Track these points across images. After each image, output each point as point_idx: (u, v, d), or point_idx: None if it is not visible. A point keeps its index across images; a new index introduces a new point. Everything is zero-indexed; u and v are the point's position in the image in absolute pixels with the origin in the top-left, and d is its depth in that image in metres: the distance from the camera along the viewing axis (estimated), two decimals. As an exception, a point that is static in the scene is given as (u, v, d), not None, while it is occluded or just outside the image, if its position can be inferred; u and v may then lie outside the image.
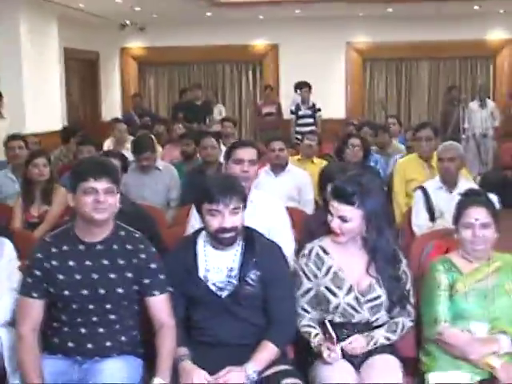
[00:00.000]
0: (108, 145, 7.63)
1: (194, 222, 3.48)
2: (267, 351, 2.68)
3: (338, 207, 2.72)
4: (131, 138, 7.66)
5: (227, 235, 2.70)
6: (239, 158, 3.51)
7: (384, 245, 2.76)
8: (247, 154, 3.53)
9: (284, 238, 3.48)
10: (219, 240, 2.72)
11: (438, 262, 2.90)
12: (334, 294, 2.76)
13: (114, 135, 7.56)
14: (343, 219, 2.71)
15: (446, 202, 4.33)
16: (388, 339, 2.75)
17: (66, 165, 6.28)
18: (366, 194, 2.71)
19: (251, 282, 2.74)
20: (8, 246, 2.96)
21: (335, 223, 2.73)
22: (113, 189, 2.64)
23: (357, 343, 2.68)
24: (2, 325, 2.78)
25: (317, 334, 2.74)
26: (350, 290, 2.76)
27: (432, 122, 6.88)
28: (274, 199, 3.70)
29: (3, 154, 5.73)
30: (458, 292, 2.79)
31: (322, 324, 2.79)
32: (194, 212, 3.52)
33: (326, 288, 2.78)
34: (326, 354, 2.63)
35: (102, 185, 2.60)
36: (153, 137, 6.34)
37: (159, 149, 6.93)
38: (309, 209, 4.99)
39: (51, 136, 8.24)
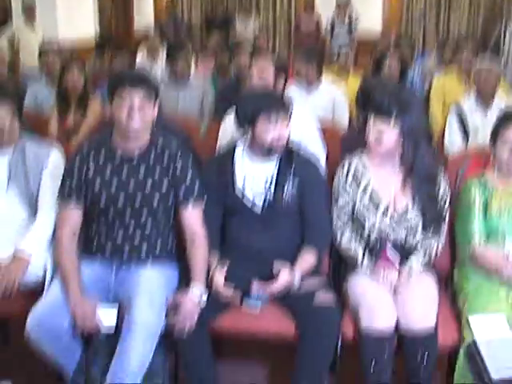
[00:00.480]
0: (141, 57, 7.57)
1: (226, 134, 3.49)
2: (308, 259, 2.73)
3: (375, 122, 2.69)
4: (163, 49, 7.60)
5: (279, 146, 2.72)
6: (251, 71, 3.54)
7: (420, 161, 2.72)
8: (259, 65, 3.54)
9: (314, 150, 3.50)
10: (271, 151, 2.73)
11: (472, 180, 2.86)
12: (371, 213, 2.76)
13: (146, 47, 7.46)
14: (380, 134, 2.68)
15: (480, 119, 4.32)
16: (423, 264, 2.75)
17: (100, 74, 6.23)
18: (404, 110, 2.65)
19: (288, 192, 2.76)
20: (54, 156, 2.96)
21: (372, 138, 2.70)
22: (149, 98, 2.62)
23: (403, 277, 2.67)
24: (48, 240, 2.83)
25: (364, 254, 2.74)
26: (386, 209, 2.75)
27: (472, 38, 6.67)
28: (303, 111, 3.68)
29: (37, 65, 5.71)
30: (493, 210, 2.76)
31: (360, 239, 2.80)
32: (225, 124, 3.54)
33: (363, 206, 2.78)
34: (382, 275, 2.66)
35: (138, 93, 2.59)
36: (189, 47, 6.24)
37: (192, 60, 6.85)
38: (344, 125, 4.94)
39: (84, 44, 8.18)
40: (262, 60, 3.57)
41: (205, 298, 2.57)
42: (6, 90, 2.95)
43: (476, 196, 2.80)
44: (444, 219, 2.80)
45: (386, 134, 2.67)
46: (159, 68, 6.92)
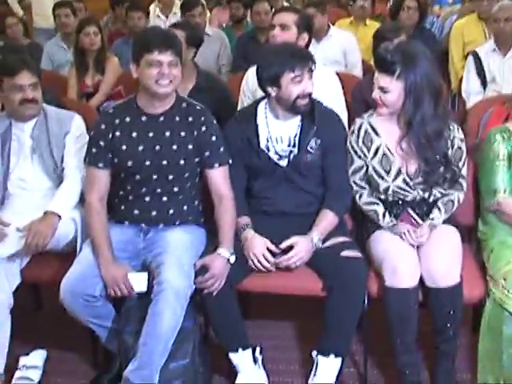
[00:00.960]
0: (153, 9, 7.45)
1: (247, 91, 3.46)
2: (328, 219, 2.73)
3: (377, 76, 2.63)
4: (178, 1, 7.48)
5: (306, 101, 2.70)
6: (272, 23, 3.46)
7: (418, 121, 2.61)
8: (280, 18, 3.43)
9: (337, 106, 3.47)
10: (298, 108, 2.71)
11: (496, 131, 2.80)
12: (383, 178, 2.73)
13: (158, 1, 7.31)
14: (383, 90, 2.61)
15: (498, 65, 4.26)
16: (446, 218, 2.74)
17: (115, 32, 6.17)
18: (408, 64, 2.56)
19: (311, 150, 2.76)
20: (77, 120, 2.98)
21: (376, 93, 2.64)
22: (177, 61, 2.62)
23: (423, 235, 2.66)
24: (74, 206, 2.86)
25: (384, 213, 2.73)
26: (398, 173, 2.72)
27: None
28: (323, 68, 3.62)
29: (52, 21, 5.67)
30: None
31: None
32: (247, 80, 3.50)
33: (375, 171, 2.75)
34: (408, 236, 2.64)
35: (166, 57, 2.58)
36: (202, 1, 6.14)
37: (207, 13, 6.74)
38: (357, 72, 4.88)
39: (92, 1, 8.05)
40: (284, 15, 3.47)
41: (233, 259, 2.60)
42: (27, 59, 2.93)
43: (500, 148, 2.75)
44: (460, 175, 2.76)
45: (388, 90, 2.61)
46: (174, 17, 6.78)
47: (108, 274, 2.56)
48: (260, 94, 2.91)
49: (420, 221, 2.67)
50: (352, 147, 2.80)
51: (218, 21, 6.80)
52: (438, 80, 2.70)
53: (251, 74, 3.39)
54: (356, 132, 2.80)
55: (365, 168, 2.79)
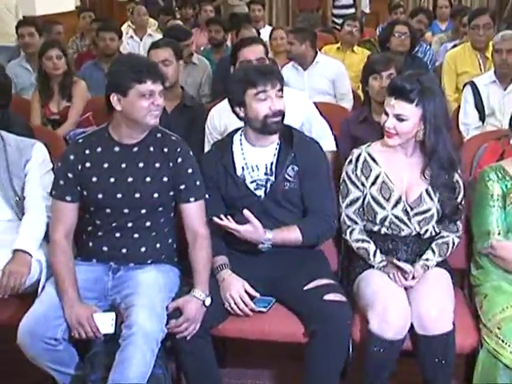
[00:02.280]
0: (126, 30, 7.53)
1: (213, 131, 3.54)
2: (289, 232, 2.76)
3: (395, 104, 2.70)
4: (153, 21, 7.59)
5: (276, 119, 2.76)
6: (246, 59, 3.53)
7: (441, 148, 2.74)
8: (253, 53, 3.54)
9: (320, 129, 3.60)
10: (268, 126, 2.77)
11: (490, 169, 2.86)
12: (381, 206, 2.81)
13: (132, 19, 7.41)
14: (400, 118, 2.70)
15: (498, 98, 4.29)
16: (440, 261, 2.81)
17: (84, 53, 6.24)
18: (425, 93, 2.68)
19: (289, 177, 2.82)
20: (38, 148, 3.01)
21: (390, 123, 2.72)
22: (164, 91, 2.70)
23: (417, 276, 2.72)
24: (39, 246, 2.87)
25: (375, 251, 2.79)
26: (398, 201, 2.79)
27: (489, 7, 6.67)
28: (299, 93, 3.77)
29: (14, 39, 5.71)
30: None
31: (369, 234, 2.86)
32: (211, 120, 3.56)
33: (373, 199, 2.83)
34: (401, 279, 2.70)
35: (157, 87, 2.64)
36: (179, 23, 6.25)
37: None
38: (347, 103, 4.98)
39: (63, 18, 8.12)
40: (256, 53, 3.55)
41: (208, 301, 2.62)
42: None
43: (494, 187, 2.80)
44: (461, 211, 2.84)
45: (405, 118, 2.70)
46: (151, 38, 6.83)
47: (72, 313, 2.56)
48: (231, 129, 2.98)
49: (408, 268, 2.71)
50: (349, 177, 2.87)
51: (196, 44, 6.88)
52: (448, 112, 2.85)
53: (216, 112, 3.50)
54: (354, 162, 2.87)
55: (361, 200, 2.85)
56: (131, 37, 7.19)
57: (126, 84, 2.63)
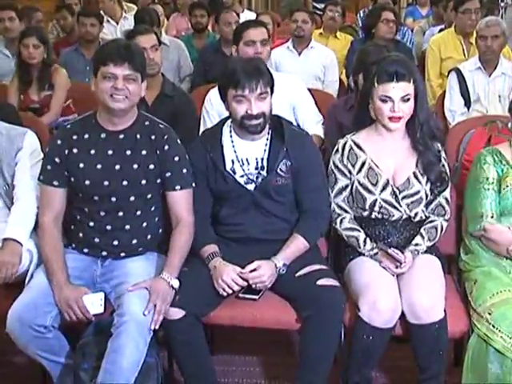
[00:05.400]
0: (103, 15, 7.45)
1: (211, 110, 3.54)
2: (296, 245, 2.78)
3: (398, 88, 2.73)
4: (131, 5, 7.52)
5: (254, 122, 2.73)
6: (251, 39, 3.61)
7: (429, 119, 2.84)
8: (259, 34, 3.61)
9: (309, 112, 3.63)
10: (246, 128, 2.76)
11: (487, 153, 2.87)
12: (369, 191, 2.83)
13: (101, 6, 7.26)
14: (405, 99, 2.74)
15: (483, 84, 4.36)
16: (429, 246, 2.84)
17: (62, 40, 6.17)
18: (413, 70, 2.80)
19: (281, 172, 2.81)
20: (30, 137, 2.99)
21: (397, 107, 2.74)
22: (135, 76, 2.65)
23: (408, 262, 2.74)
24: (30, 236, 2.85)
25: (365, 239, 2.82)
26: (385, 185, 2.82)
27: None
28: (292, 77, 3.80)
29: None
30: (509, 187, 2.79)
31: (359, 221, 2.89)
32: (209, 100, 3.57)
33: (361, 185, 2.85)
34: (392, 267, 2.73)
35: (122, 71, 2.61)
36: (159, 8, 6.21)
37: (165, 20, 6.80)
38: (333, 90, 5.01)
39: (40, 1, 8.01)
40: (263, 31, 3.63)
41: (176, 284, 2.61)
42: None
43: (490, 170, 2.82)
44: (446, 181, 2.87)
45: (410, 98, 2.75)
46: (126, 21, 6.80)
47: (61, 295, 2.57)
48: (226, 112, 2.94)
49: (399, 256, 2.73)
50: (336, 166, 2.89)
51: (177, 29, 6.86)
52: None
53: (213, 94, 3.47)
54: (340, 151, 2.89)
55: (349, 187, 2.88)
56: (107, 21, 7.12)
57: (95, 66, 2.67)
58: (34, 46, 4.47)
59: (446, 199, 2.90)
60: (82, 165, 2.72)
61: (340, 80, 5.24)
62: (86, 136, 2.74)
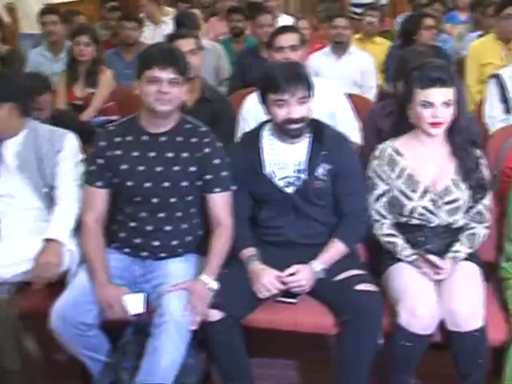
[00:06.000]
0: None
1: (249, 117, 3.55)
2: (335, 249, 2.78)
3: (440, 93, 2.72)
4: (169, 9, 7.58)
5: (295, 126, 2.74)
6: (280, 45, 3.62)
7: (470, 125, 2.86)
8: (288, 40, 3.62)
9: (348, 120, 3.63)
10: (286, 132, 2.77)
11: None
12: (408, 197, 2.82)
13: (142, 10, 7.33)
14: (448, 104, 2.73)
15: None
16: (469, 253, 2.82)
17: (103, 42, 6.24)
18: (453, 76, 2.79)
19: (321, 176, 2.81)
20: (70, 139, 3.03)
21: (441, 112, 2.73)
22: (178, 79, 2.68)
23: (447, 269, 2.73)
24: (71, 235, 2.90)
25: (404, 245, 2.81)
26: (425, 192, 2.81)
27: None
28: (331, 83, 3.79)
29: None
30: None
31: (398, 226, 2.88)
32: (247, 106, 3.58)
33: (400, 191, 2.84)
34: (431, 273, 2.72)
35: (167, 74, 2.64)
36: (197, 12, 6.24)
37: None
38: (371, 95, 4.99)
39: (81, 6, 8.13)
40: (293, 36, 3.63)
41: (215, 286, 2.63)
42: None
43: None
44: (486, 188, 2.85)
45: (452, 103, 2.74)
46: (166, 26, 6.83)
47: (102, 294, 2.61)
48: (264, 117, 2.95)
49: (439, 263, 2.72)
50: (375, 172, 2.89)
51: (215, 33, 6.88)
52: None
53: (252, 99, 3.47)
54: (379, 156, 2.90)
55: (388, 193, 2.87)
56: (146, 25, 7.18)
57: (139, 69, 2.70)
58: (85, 43, 4.59)
59: (486, 206, 2.87)
60: (124, 166, 2.76)
61: (378, 85, 5.22)
62: (129, 138, 2.78)
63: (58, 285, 2.75)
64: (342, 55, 5.16)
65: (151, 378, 2.48)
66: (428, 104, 2.74)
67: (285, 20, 6.71)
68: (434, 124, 2.76)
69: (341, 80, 4.41)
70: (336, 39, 5.21)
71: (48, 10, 5.59)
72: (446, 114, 2.75)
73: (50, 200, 2.97)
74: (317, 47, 5.62)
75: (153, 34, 6.87)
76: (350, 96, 3.94)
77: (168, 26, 6.46)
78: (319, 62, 5.04)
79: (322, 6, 9.42)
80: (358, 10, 7.62)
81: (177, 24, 5.48)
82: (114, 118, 4.19)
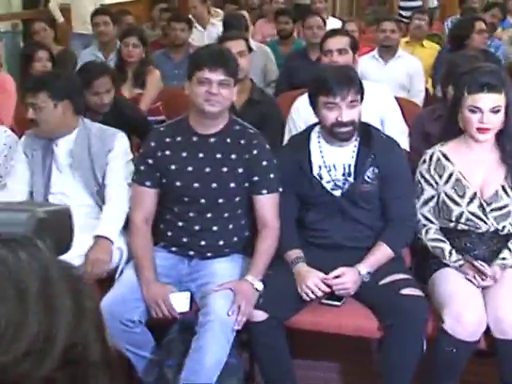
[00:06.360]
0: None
1: (298, 120, 3.56)
2: (381, 252, 2.77)
3: (488, 99, 2.69)
4: (218, 11, 7.62)
5: (344, 130, 2.74)
6: (328, 48, 3.64)
7: None
8: (336, 43, 3.64)
9: (397, 125, 3.59)
10: (335, 135, 2.77)
11: None
12: (456, 203, 2.80)
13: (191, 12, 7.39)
14: (495, 110, 2.70)
15: None
16: None
17: (152, 42, 6.31)
18: (505, 82, 2.74)
19: (368, 179, 2.81)
20: (120, 138, 3.09)
21: (487, 118, 2.70)
22: (229, 81, 2.70)
23: (494, 276, 2.69)
24: (121, 233, 2.96)
25: (451, 251, 2.78)
26: (473, 198, 2.78)
27: None
28: (381, 87, 3.78)
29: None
30: None
31: (445, 232, 2.85)
32: (297, 109, 3.59)
33: (447, 196, 2.82)
34: (478, 280, 2.68)
35: (217, 76, 2.67)
36: (245, 14, 6.27)
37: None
38: (419, 100, 4.95)
39: (131, 6, 8.23)
40: (341, 39, 3.65)
41: (260, 286, 2.65)
42: (43, 79, 3.08)
43: None
44: None
45: (500, 109, 2.70)
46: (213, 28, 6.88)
47: (149, 292, 2.65)
48: (313, 120, 2.96)
49: (486, 269, 2.69)
50: (423, 176, 2.87)
51: (262, 35, 6.91)
52: None
53: (301, 102, 3.48)
54: (427, 161, 2.87)
55: (436, 198, 2.85)
56: (195, 27, 7.24)
57: (189, 70, 2.73)
58: (134, 45, 4.63)
59: None
60: (173, 167, 2.79)
61: (426, 89, 5.18)
62: (179, 139, 2.81)
63: (107, 281, 2.81)
64: (390, 59, 5.13)
65: (195, 377, 2.50)
66: (476, 109, 2.71)
67: (332, 23, 6.70)
68: (481, 130, 2.73)
69: (388, 84, 4.38)
70: (384, 43, 5.18)
71: (100, 10, 5.68)
72: (495, 120, 2.71)
73: (100, 198, 3.03)
74: (364, 50, 5.60)
75: (201, 35, 6.93)
76: (398, 100, 3.92)
77: (216, 28, 6.51)
78: (366, 66, 5.01)
79: (369, 9, 9.39)
80: (406, 14, 7.54)
81: (225, 26, 5.53)
82: (160, 118, 4.24)
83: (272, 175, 2.80)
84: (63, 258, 2.79)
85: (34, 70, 4.38)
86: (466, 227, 2.81)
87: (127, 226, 2.90)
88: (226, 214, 2.81)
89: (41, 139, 3.05)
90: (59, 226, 0.96)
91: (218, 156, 2.78)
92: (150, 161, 2.81)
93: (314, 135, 2.90)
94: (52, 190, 3.03)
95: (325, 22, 5.64)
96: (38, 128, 3.01)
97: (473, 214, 2.79)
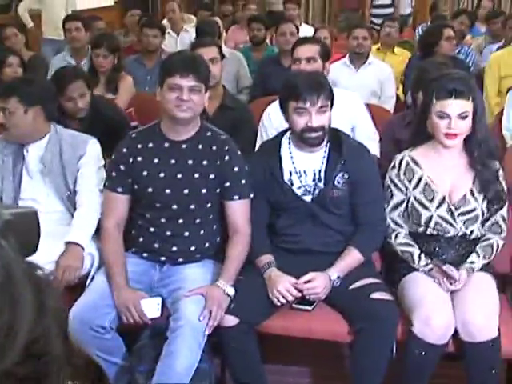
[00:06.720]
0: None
1: (269, 127, 3.58)
2: (351, 257, 2.79)
3: (456, 105, 2.72)
4: (191, 17, 7.64)
5: (314, 135, 2.76)
6: (297, 56, 3.68)
7: (488, 138, 2.82)
8: (304, 52, 3.68)
9: (368, 133, 3.63)
10: (305, 140, 2.79)
11: None
12: (425, 207, 2.83)
13: (167, 16, 7.39)
14: (463, 116, 2.73)
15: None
16: (484, 264, 2.82)
17: (125, 48, 6.30)
18: (473, 88, 2.78)
19: (338, 185, 2.82)
20: (92, 144, 3.09)
21: (455, 124, 2.73)
22: (199, 87, 2.71)
23: (462, 279, 2.73)
24: (92, 239, 2.94)
25: (420, 255, 2.82)
26: (441, 202, 2.82)
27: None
28: (352, 94, 3.80)
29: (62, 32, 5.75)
30: None
31: (414, 236, 2.89)
32: (268, 116, 3.61)
33: (417, 200, 2.85)
34: (446, 284, 2.72)
35: (187, 82, 2.68)
36: (218, 20, 6.29)
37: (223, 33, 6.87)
38: (389, 106, 5.00)
39: (103, 12, 8.22)
40: (310, 48, 3.68)
41: (231, 292, 2.66)
42: (14, 84, 3.10)
43: None
44: (503, 200, 2.85)
45: (468, 115, 2.73)
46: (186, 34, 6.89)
47: (120, 298, 2.65)
48: (284, 126, 2.98)
49: (454, 273, 2.73)
50: (392, 181, 2.90)
51: (235, 41, 6.94)
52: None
53: (273, 109, 3.51)
54: (397, 166, 2.90)
55: (405, 203, 2.88)
56: (168, 32, 7.24)
57: (161, 76, 2.74)
58: (104, 56, 4.61)
59: (503, 217, 2.87)
60: (145, 173, 2.79)
61: (396, 96, 5.23)
62: (150, 145, 2.81)
63: (78, 287, 2.79)
64: (361, 66, 5.17)
65: (166, 382, 2.49)
66: (444, 115, 2.75)
67: (305, 30, 6.75)
68: (449, 135, 2.77)
69: (359, 90, 4.42)
70: (356, 50, 5.22)
71: (72, 16, 5.66)
72: (462, 126, 2.75)
73: (71, 204, 3.02)
74: (336, 57, 5.64)
75: (174, 41, 6.94)
76: (369, 106, 3.96)
77: (189, 34, 6.53)
78: (338, 72, 5.04)
79: (342, 16, 9.45)
80: (378, 21, 7.61)
81: (198, 32, 5.54)
82: (133, 124, 4.23)
83: (243, 181, 2.82)
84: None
85: (4, 75, 4.37)
86: (434, 232, 2.85)
87: (98, 232, 2.89)
88: (197, 220, 2.82)
89: (12, 144, 3.04)
90: (25, 229, 0.97)
91: (190, 162, 2.79)
92: (122, 167, 2.81)
93: (285, 141, 2.92)
94: (22, 195, 3.01)
95: (298, 29, 5.68)
96: (7, 133, 3.01)
97: (442, 217, 2.82)
